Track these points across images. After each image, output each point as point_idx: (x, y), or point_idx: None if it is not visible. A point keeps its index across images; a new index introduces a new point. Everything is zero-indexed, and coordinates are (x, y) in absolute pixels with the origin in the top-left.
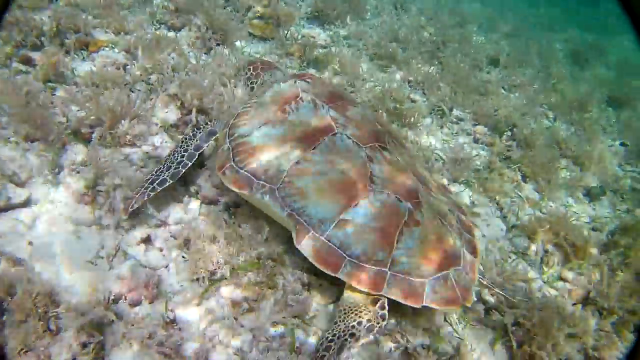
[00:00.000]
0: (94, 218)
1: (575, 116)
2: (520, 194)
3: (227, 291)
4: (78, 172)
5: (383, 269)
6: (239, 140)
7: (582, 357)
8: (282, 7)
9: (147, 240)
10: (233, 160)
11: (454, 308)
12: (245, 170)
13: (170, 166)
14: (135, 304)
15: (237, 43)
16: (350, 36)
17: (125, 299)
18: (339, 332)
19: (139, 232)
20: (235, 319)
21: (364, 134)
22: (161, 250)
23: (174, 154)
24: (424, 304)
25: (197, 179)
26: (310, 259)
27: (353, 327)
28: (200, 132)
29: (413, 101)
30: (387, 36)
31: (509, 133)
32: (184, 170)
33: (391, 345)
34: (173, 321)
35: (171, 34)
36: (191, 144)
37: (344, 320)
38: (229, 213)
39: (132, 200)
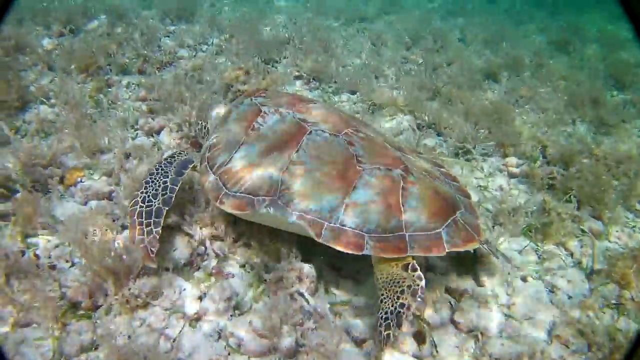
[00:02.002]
0: None
1: (592, 113)
2: (584, 229)
3: None
4: None
5: (400, 233)
6: (222, 169)
7: None
8: (265, 78)
9: None
10: (225, 188)
11: (473, 245)
12: (241, 193)
13: (156, 194)
14: None
15: None
16: (340, 89)
17: None
18: (388, 307)
19: None
20: None
21: (334, 124)
22: None
23: (151, 183)
24: (447, 250)
25: None
26: (335, 247)
27: (398, 297)
28: (174, 159)
29: (433, 149)
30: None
31: (541, 155)
32: (173, 196)
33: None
34: None
35: (150, 140)
36: (169, 170)
37: (387, 296)
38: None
39: (146, 246)
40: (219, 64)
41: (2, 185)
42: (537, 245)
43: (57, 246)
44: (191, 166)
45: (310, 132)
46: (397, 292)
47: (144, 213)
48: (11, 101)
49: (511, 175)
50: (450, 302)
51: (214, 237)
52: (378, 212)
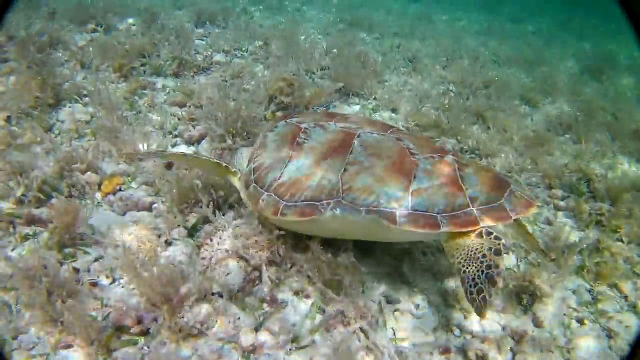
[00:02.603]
0: None
1: (632, 145)
2: (638, 272)
3: None
4: None
5: (468, 209)
6: (274, 185)
7: None
8: (306, 93)
9: None
10: (283, 200)
11: (533, 210)
12: (302, 202)
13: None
14: None
15: None
16: (381, 106)
17: None
18: (475, 273)
19: None
20: None
21: (376, 127)
22: None
23: None
24: (513, 218)
25: None
26: (413, 229)
27: (482, 261)
28: None
29: None
30: (418, 99)
31: (587, 189)
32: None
33: None
34: None
35: (190, 148)
36: None
37: (469, 264)
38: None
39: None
40: (257, 72)
41: (38, 189)
42: (591, 285)
43: (96, 260)
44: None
45: (359, 134)
46: (478, 257)
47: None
48: (45, 98)
49: (557, 208)
50: (511, 347)
51: (270, 262)
52: (443, 194)
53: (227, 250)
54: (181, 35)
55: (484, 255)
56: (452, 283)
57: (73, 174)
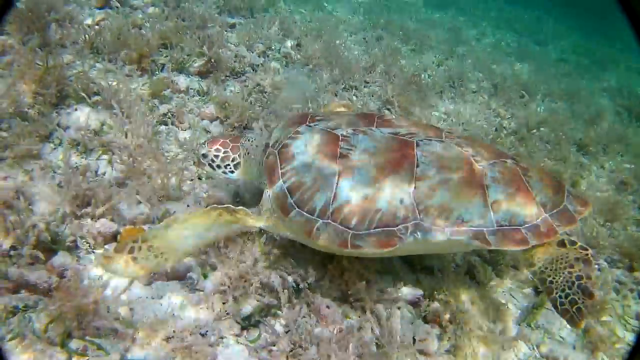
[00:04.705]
0: None
1: None
2: None
3: None
4: None
5: (543, 216)
6: (330, 210)
7: None
8: None
9: None
10: (350, 229)
11: (589, 209)
12: (375, 229)
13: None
14: None
15: None
16: None
17: None
18: (565, 284)
19: None
20: None
21: (430, 132)
22: None
23: None
24: (577, 219)
25: None
26: (504, 247)
27: (571, 272)
28: None
29: None
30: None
31: None
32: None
33: None
34: None
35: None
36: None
37: (557, 275)
38: None
39: None
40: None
41: (35, 243)
42: None
43: None
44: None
45: (418, 143)
46: (566, 267)
47: None
48: (48, 95)
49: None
50: None
51: None
52: (518, 204)
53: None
54: (208, 27)
55: (571, 266)
56: None
57: (83, 221)
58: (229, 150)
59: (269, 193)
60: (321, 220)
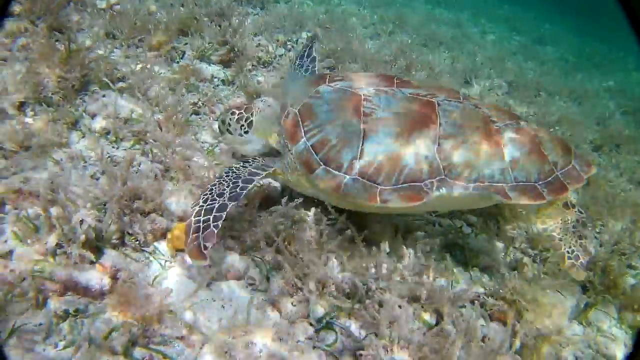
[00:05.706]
0: None
1: None
2: None
3: None
4: None
5: (555, 175)
6: (356, 166)
7: None
8: None
9: None
10: (377, 184)
11: (594, 169)
12: (402, 184)
13: (222, 193)
14: None
15: None
16: None
17: None
18: (570, 241)
19: None
20: None
21: (449, 94)
22: None
23: (219, 184)
24: (584, 178)
25: None
26: (523, 201)
27: (573, 232)
28: (250, 165)
29: None
30: None
31: None
32: (242, 193)
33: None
34: None
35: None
36: (242, 174)
37: (565, 233)
38: None
39: (199, 241)
40: None
41: (85, 242)
42: None
43: None
44: (271, 170)
45: (439, 103)
46: (570, 227)
47: (203, 211)
48: (72, 79)
49: None
50: None
51: None
52: (533, 163)
53: None
54: (227, 14)
55: (574, 226)
56: None
57: (134, 216)
58: (242, 111)
59: (291, 150)
60: (348, 176)
